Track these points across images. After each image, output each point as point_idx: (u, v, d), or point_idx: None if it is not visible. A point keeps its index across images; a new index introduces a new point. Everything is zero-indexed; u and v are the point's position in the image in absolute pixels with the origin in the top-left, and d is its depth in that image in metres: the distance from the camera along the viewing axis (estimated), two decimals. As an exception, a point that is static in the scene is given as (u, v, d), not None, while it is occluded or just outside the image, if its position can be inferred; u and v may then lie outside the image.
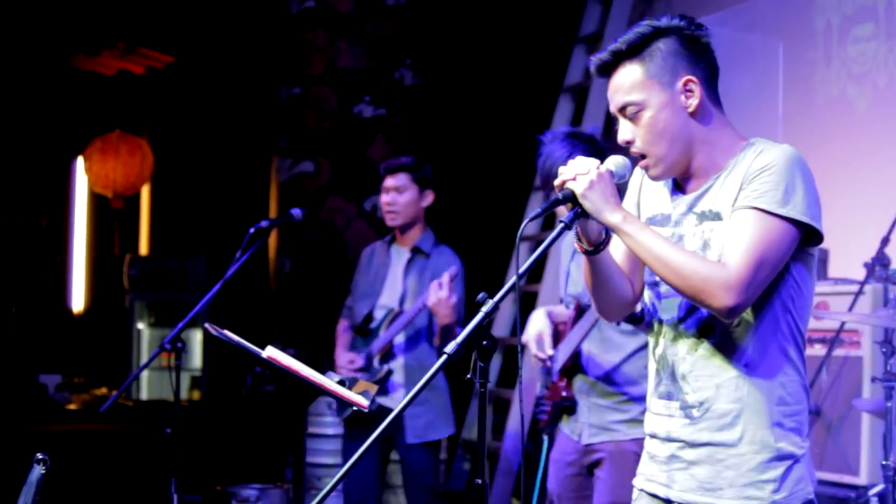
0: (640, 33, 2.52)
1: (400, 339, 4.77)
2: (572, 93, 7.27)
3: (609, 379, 3.87)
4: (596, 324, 3.82)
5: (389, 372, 4.76)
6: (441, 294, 4.53)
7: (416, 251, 4.87)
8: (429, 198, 4.88)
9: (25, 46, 8.60)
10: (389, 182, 4.83)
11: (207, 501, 5.29)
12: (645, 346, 3.84)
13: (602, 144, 3.81)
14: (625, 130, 2.55)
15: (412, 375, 4.71)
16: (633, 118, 2.52)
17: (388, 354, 4.77)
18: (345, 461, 4.90)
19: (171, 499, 4.04)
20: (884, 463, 3.99)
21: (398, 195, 4.80)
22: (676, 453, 2.57)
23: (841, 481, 4.69)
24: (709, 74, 2.55)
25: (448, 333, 4.55)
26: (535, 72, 7.70)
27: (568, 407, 3.94)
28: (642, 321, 3.58)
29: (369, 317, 4.88)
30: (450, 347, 2.26)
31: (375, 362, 4.75)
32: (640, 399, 3.76)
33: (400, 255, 4.91)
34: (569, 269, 4.13)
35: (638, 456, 2.74)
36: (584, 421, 3.89)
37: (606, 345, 3.88)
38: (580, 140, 3.88)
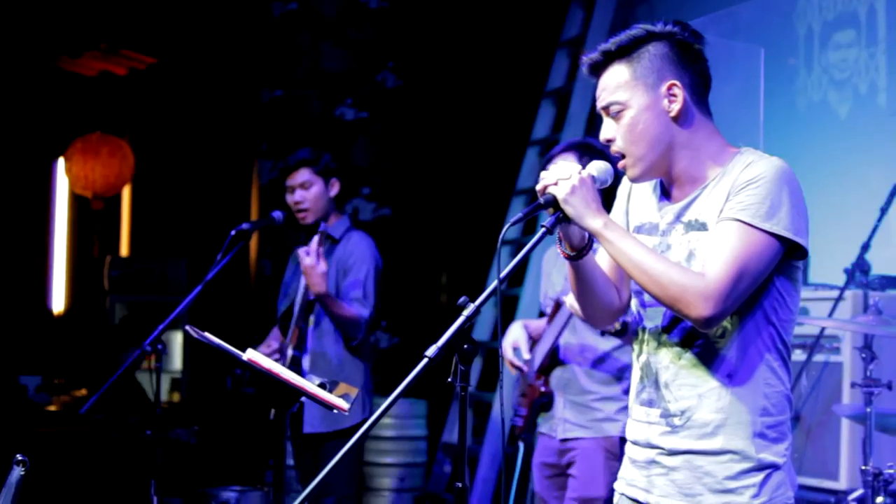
0: (631, 36, 2.54)
1: (311, 325, 4.73)
2: (554, 97, 7.28)
3: (587, 372, 3.92)
4: (571, 319, 3.87)
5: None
6: (307, 261, 4.44)
7: (325, 237, 4.69)
8: (336, 187, 4.79)
9: (7, 47, 8.56)
10: (292, 181, 4.74)
11: (187, 503, 5.29)
12: (620, 347, 3.91)
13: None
14: (607, 129, 2.57)
15: (316, 363, 4.64)
16: (616, 117, 2.55)
17: (301, 342, 4.72)
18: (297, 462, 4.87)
19: (151, 501, 4.04)
20: (863, 468, 4.01)
21: (305, 192, 4.71)
22: (656, 459, 2.59)
23: (821, 486, 4.71)
24: (697, 81, 2.56)
25: (334, 314, 4.49)
26: (517, 75, 7.71)
27: (545, 403, 3.99)
28: (625, 333, 3.62)
29: (289, 309, 4.82)
30: (430, 351, 2.27)
31: (289, 350, 4.66)
32: (614, 398, 3.85)
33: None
34: (549, 273, 4.16)
35: (609, 454, 2.78)
36: (559, 416, 3.95)
37: (582, 334, 3.93)
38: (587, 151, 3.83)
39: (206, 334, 3.06)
